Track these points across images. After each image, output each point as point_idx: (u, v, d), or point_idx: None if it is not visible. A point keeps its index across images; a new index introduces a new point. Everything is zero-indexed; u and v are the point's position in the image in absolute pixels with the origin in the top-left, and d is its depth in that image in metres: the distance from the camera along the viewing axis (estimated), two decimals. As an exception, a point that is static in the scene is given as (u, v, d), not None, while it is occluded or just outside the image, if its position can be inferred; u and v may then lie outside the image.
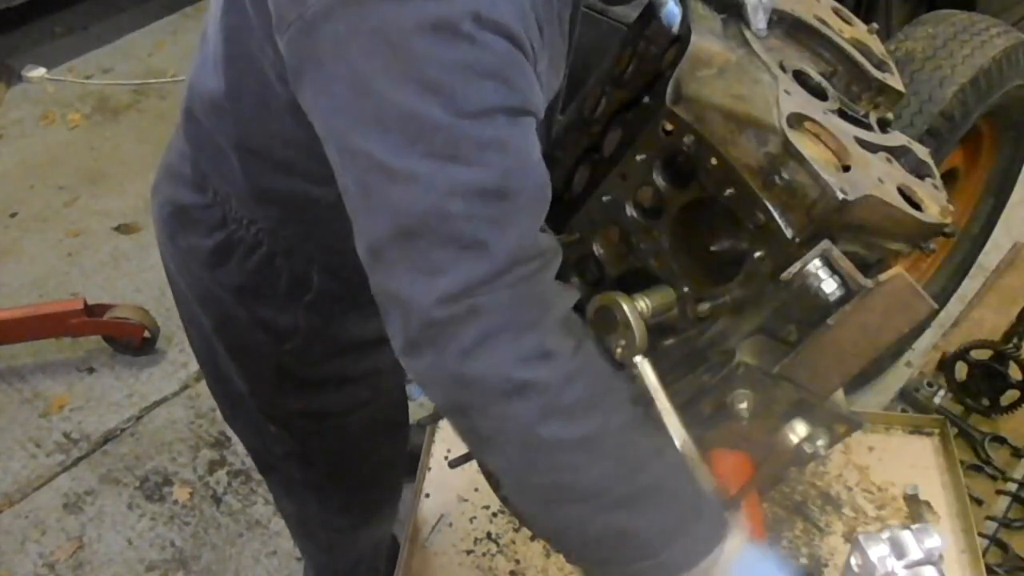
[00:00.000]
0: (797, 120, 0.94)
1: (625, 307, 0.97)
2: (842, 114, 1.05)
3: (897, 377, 2.46)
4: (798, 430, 1.02)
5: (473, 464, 1.36)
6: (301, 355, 1.30)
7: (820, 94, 1.04)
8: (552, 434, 0.85)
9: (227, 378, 1.42)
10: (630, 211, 1.03)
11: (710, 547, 0.92)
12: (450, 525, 1.59)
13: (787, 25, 1.09)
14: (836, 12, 1.17)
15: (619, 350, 0.98)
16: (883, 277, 0.91)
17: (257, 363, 1.34)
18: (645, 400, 0.97)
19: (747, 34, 1.02)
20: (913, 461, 1.69)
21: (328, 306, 1.24)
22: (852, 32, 1.15)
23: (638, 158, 1.00)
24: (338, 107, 0.84)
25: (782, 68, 1.01)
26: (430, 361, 0.85)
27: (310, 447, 1.50)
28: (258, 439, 1.56)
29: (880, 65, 1.13)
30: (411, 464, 1.69)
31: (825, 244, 0.91)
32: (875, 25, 1.19)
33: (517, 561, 1.54)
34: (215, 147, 1.16)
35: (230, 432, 2.55)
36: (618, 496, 0.88)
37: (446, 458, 1.53)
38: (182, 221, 1.25)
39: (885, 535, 1.13)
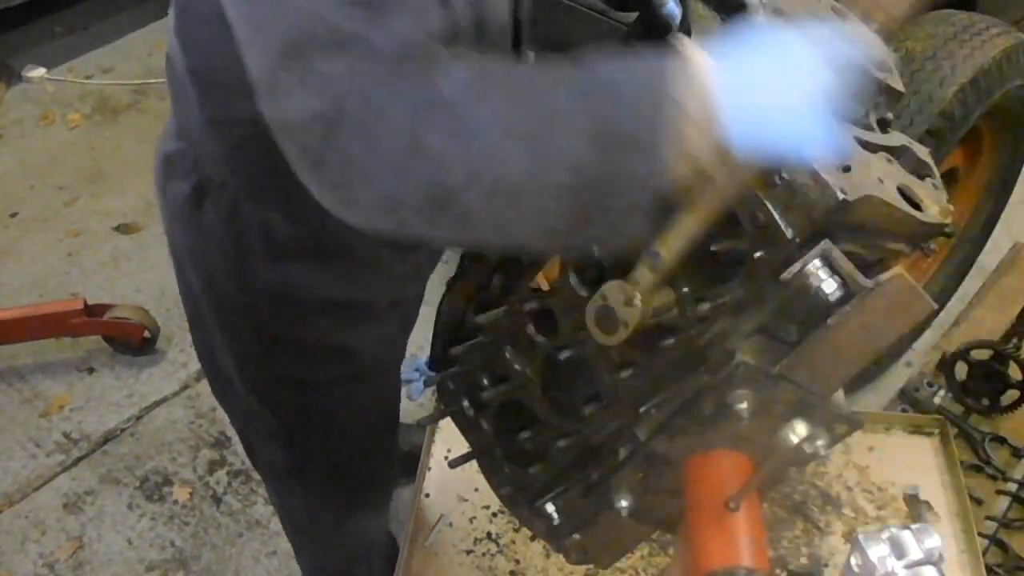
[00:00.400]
0: (797, 120, 0.94)
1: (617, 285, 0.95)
2: (842, 114, 1.05)
3: (897, 377, 2.46)
4: (798, 430, 1.02)
5: (473, 464, 1.36)
6: (275, 313, 1.30)
7: (820, 94, 1.04)
8: (474, 123, 0.77)
9: (214, 351, 1.44)
10: None
11: (670, 68, 0.79)
12: (450, 525, 1.59)
13: (787, 25, 1.08)
14: (836, 12, 1.17)
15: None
16: (883, 277, 0.91)
17: (237, 323, 1.34)
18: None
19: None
20: (913, 461, 1.69)
21: (291, 255, 1.24)
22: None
23: None
24: None
25: (782, 68, 1.01)
26: (331, 157, 0.81)
27: (292, 428, 1.50)
28: (243, 419, 1.57)
29: (880, 65, 1.13)
30: (410, 465, 1.69)
31: (825, 244, 0.91)
32: (875, 25, 1.19)
33: (517, 561, 1.54)
34: (180, 83, 1.19)
35: (230, 432, 2.55)
36: (575, 112, 0.78)
37: (446, 458, 1.53)
38: (167, 170, 1.29)
39: (885, 535, 1.13)
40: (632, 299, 0.92)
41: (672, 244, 0.90)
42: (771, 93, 0.80)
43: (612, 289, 0.94)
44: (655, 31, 1.09)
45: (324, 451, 1.55)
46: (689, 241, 0.90)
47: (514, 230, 0.83)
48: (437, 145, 0.77)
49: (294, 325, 1.33)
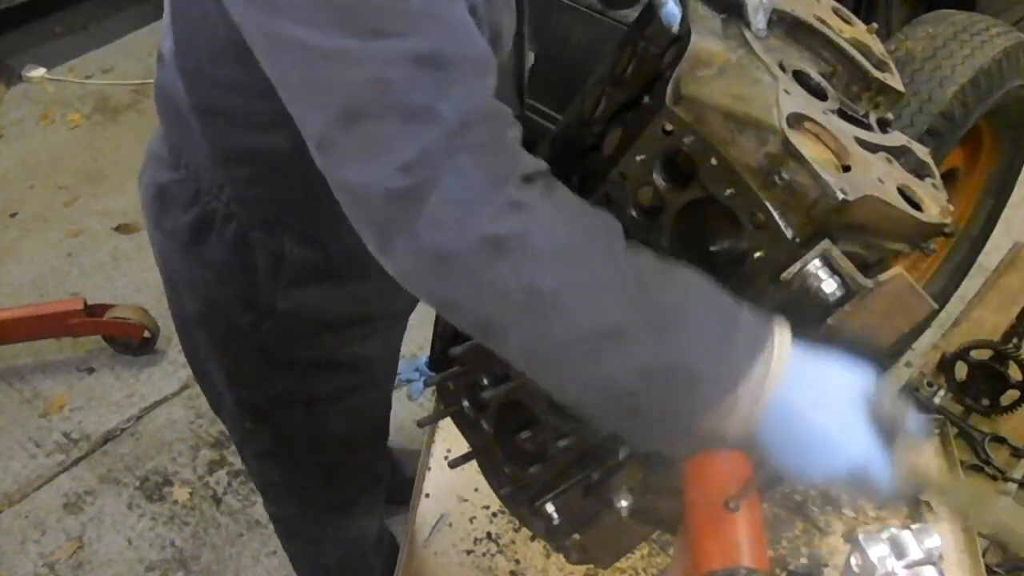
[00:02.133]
0: (797, 120, 0.94)
1: None
2: (842, 114, 1.05)
3: (897, 377, 2.46)
4: (798, 430, 1.01)
5: (473, 464, 1.36)
6: (284, 334, 1.29)
7: (820, 94, 1.04)
8: (548, 282, 0.79)
9: (206, 372, 1.43)
10: (630, 211, 1.03)
11: (758, 348, 0.82)
12: (450, 525, 1.59)
13: (787, 25, 1.09)
14: (836, 12, 1.17)
15: None
16: (883, 277, 0.91)
17: (241, 347, 1.33)
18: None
19: (747, 34, 1.02)
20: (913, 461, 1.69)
21: (306, 279, 1.24)
22: (852, 32, 1.15)
23: (638, 158, 1.00)
24: (266, 1, 0.81)
25: (782, 68, 1.01)
26: (403, 245, 0.80)
27: (287, 444, 1.50)
28: (239, 435, 1.56)
29: (880, 65, 1.13)
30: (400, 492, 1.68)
31: (825, 244, 0.91)
32: (875, 25, 1.19)
33: (517, 561, 1.54)
34: (177, 114, 1.16)
35: (230, 432, 2.56)
36: (641, 330, 0.80)
37: (446, 458, 1.53)
38: (162, 202, 1.26)
39: (885, 535, 1.13)
40: None
41: None
42: (817, 417, 0.84)
43: None
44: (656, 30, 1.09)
45: (318, 463, 1.56)
46: None
47: (538, 375, 0.87)
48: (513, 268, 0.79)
49: (305, 345, 1.32)
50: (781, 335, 0.84)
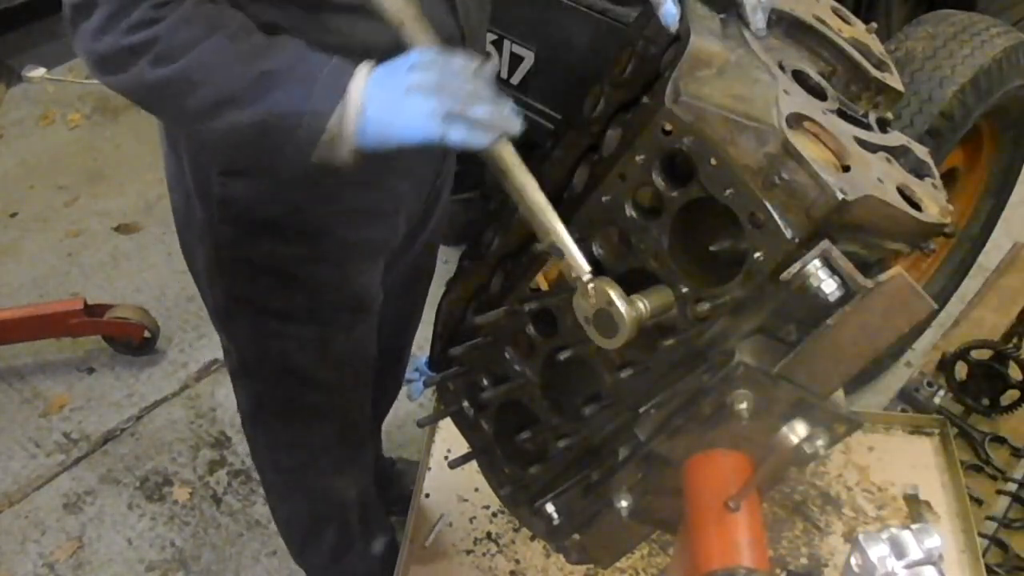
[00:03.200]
0: (796, 120, 0.94)
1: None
2: (841, 114, 1.05)
3: (897, 377, 2.46)
4: (798, 430, 1.02)
5: (473, 464, 1.37)
6: (231, 229, 1.35)
7: (819, 94, 1.04)
8: (174, 72, 1.05)
9: (199, 281, 1.51)
10: (629, 211, 1.03)
11: (338, 92, 1.06)
12: (450, 525, 1.59)
13: (786, 25, 1.09)
14: (835, 12, 1.17)
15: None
16: (883, 277, 0.91)
17: (202, 241, 1.41)
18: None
19: (746, 34, 1.02)
20: (913, 461, 1.69)
21: (236, 168, 1.30)
22: (851, 32, 1.15)
23: (637, 158, 1.00)
24: None
25: (781, 68, 1.01)
26: (79, 45, 1.08)
27: (249, 363, 1.55)
28: (224, 355, 1.63)
29: (879, 65, 1.13)
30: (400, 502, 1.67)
31: (825, 244, 0.91)
32: (874, 25, 1.19)
33: (517, 561, 1.55)
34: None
35: (230, 432, 2.56)
36: (245, 89, 1.06)
37: (446, 458, 1.53)
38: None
39: (885, 535, 1.13)
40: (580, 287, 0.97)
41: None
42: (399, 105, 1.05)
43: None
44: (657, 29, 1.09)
45: (280, 392, 1.58)
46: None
47: (195, 134, 1.24)
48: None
49: (249, 245, 1.37)
50: (357, 78, 1.07)
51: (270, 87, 1.06)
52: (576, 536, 1.24)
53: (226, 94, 1.06)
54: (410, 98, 1.04)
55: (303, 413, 1.63)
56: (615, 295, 0.96)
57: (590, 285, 0.98)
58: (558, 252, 1.01)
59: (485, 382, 1.27)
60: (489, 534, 1.58)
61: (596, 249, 1.09)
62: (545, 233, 1.02)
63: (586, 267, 1.00)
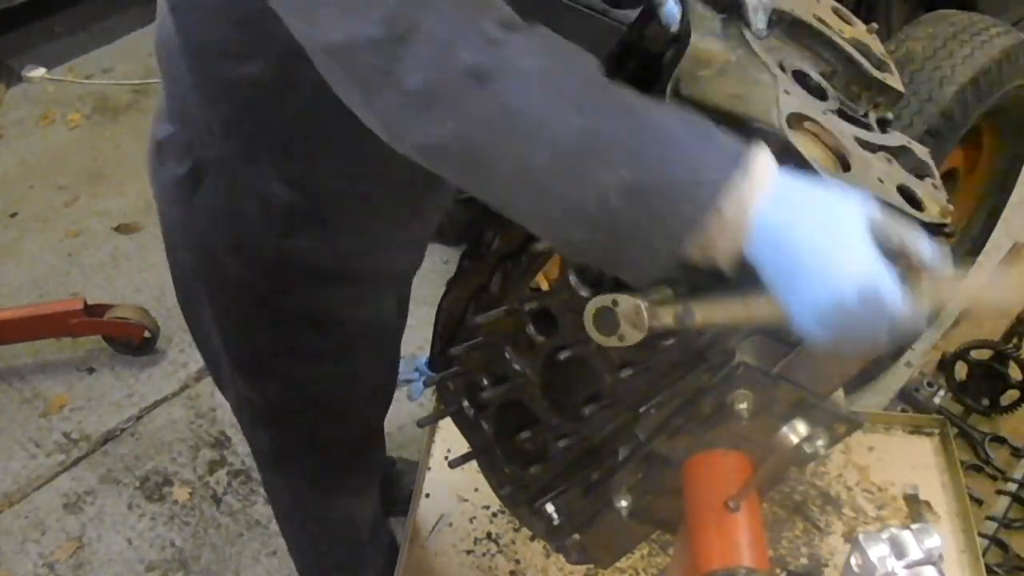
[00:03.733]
0: (797, 120, 0.94)
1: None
2: (842, 114, 1.05)
3: (897, 377, 2.46)
4: (798, 430, 1.02)
5: (473, 464, 1.37)
6: (273, 283, 1.31)
7: (820, 94, 1.04)
8: (530, 104, 0.80)
9: (205, 334, 1.46)
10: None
11: (735, 162, 0.81)
12: (450, 525, 1.59)
13: (787, 25, 1.08)
14: (836, 12, 1.17)
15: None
16: (883, 277, 0.91)
17: (229, 297, 1.35)
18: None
19: (747, 34, 1.02)
20: (913, 461, 1.69)
21: (292, 225, 1.25)
22: (852, 32, 1.15)
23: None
24: None
25: (782, 68, 1.01)
26: (388, 94, 0.82)
27: (275, 405, 1.51)
28: (234, 403, 1.59)
29: (880, 65, 1.13)
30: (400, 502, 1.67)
31: (825, 244, 0.90)
32: (875, 25, 1.19)
33: (517, 561, 1.55)
34: (170, 58, 1.19)
35: (230, 432, 2.56)
36: (623, 146, 0.81)
37: (446, 458, 1.53)
38: (160, 155, 1.30)
39: (885, 535, 1.13)
40: (640, 324, 0.90)
41: (710, 316, 0.88)
42: (814, 235, 0.80)
43: (627, 303, 0.92)
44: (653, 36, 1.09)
45: (306, 430, 1.56)
46: (727, 324, 0.90)
47: (524, 208, 0.86)
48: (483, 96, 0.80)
49: (289, 295, 1.34)
50: (761, 154, 0.82)
51: (650, 141, 0.81)
52: (576, 536, 1.24)
53: (593, 142, 0.81)
54: (848, 217, 0.80)
55: (328, 445, 1.62)
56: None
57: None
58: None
59: (485, 382, 1.27)
60: (489, 534, 1.58)
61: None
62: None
63: None
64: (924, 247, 0.83)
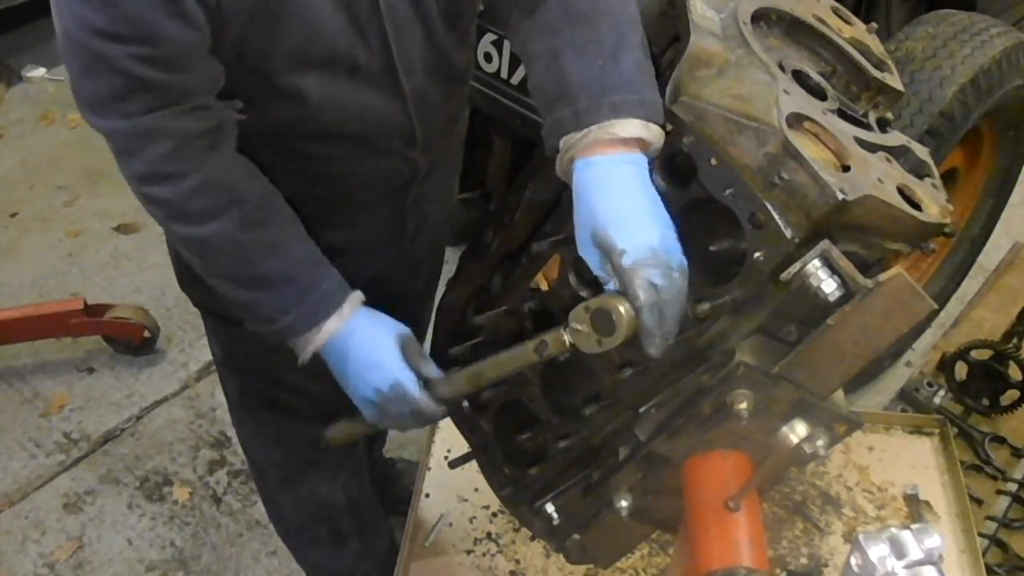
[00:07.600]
0: (796, 120, 0.94)
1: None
2: (841, 114, 1.05)
3: (897, 377, 2.46)
4: (798, 430, 1.02)
5: (473, 464, 1.37)
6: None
7: (819, 94, 1.04)
8: (182, 232, 1.14)
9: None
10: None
11: (314, 321, 1.18)
12: (450, 525, 1.59)
13: (786, 25, 1.09)
14: (835, 12, 1.17)
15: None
16: (883, 277, 0.91)
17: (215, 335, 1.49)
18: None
19: (746, 34, 1.02)
20: (913, 461, 1.69)
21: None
22: (851, 32, 1.15)
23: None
24: None
25: (781, 68, 1.01)
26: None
27: (233, 354, 1.56)
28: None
29: (879, 65, 1.13)
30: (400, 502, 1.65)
31: (825, 244, 0.91)
32: (875, 25, 1.19)
33: (517, 561, 1.55)
34: None
35: (230, 432, 2.55)
36: (242, 279, 1.18)
37: (446, 458, 1.53)
38: None
39: (885, 535, 1.13)
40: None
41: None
42: (360, 351, 1.19)
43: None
44: None
45: (263, 385, 1.56)
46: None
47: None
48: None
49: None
50: (343, 311, 1.19)
51: (261, 287, 1.18)
52: (576, 536, 1.24)
53: (228, 272, 1.18)
54: (355, 382, 1.19)
55: (289, 404, 1.59)
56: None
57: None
58: None
59: (485, 382, 1.27)
60: (489, 534, 1.58)
61: None
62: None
63: None
64: (431, 369, 1.19)
